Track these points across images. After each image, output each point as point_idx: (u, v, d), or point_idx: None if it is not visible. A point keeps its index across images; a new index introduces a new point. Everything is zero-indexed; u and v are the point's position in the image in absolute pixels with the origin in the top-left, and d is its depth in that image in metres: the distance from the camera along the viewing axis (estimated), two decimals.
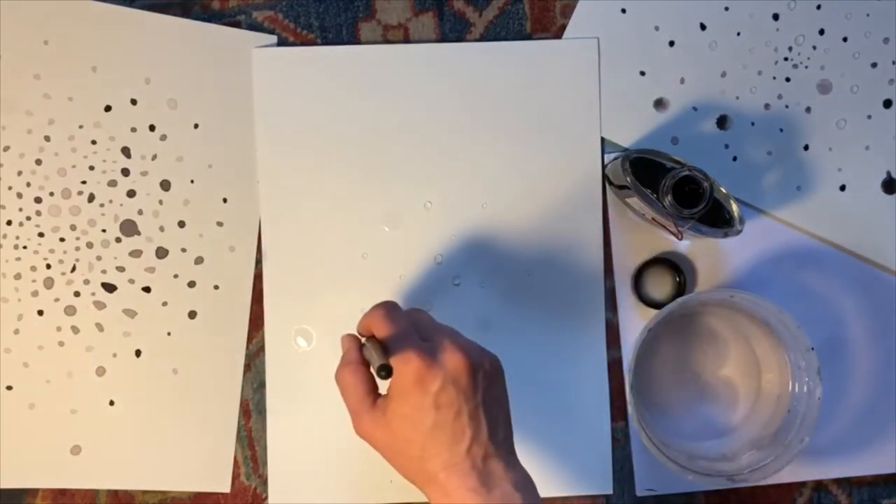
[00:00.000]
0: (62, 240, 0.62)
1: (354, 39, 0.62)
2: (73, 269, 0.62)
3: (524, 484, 0.47)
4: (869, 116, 0.63)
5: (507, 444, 0.49)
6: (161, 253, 0.62)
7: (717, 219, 0.57)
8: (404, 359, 0.46)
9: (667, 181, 0.55)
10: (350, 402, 0.49)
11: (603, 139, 0.62)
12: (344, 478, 0.62)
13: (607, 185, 0.62)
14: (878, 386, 0.63)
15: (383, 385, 0.49)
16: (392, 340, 0.48)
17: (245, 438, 0.62)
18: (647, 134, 0.62)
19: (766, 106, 0.63)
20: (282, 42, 0.62)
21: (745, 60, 0.62)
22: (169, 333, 0.62)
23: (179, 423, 0.62)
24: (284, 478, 0.61)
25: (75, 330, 0.62)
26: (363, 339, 0.51)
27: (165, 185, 0.62)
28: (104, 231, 0.62)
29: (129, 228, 0.62)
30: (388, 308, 0.50)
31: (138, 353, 0.62)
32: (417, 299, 0.62)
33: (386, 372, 0.45)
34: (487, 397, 0.48)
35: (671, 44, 0.62)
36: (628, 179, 0.56)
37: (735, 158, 0.62)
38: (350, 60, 0.62)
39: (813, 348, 0.57)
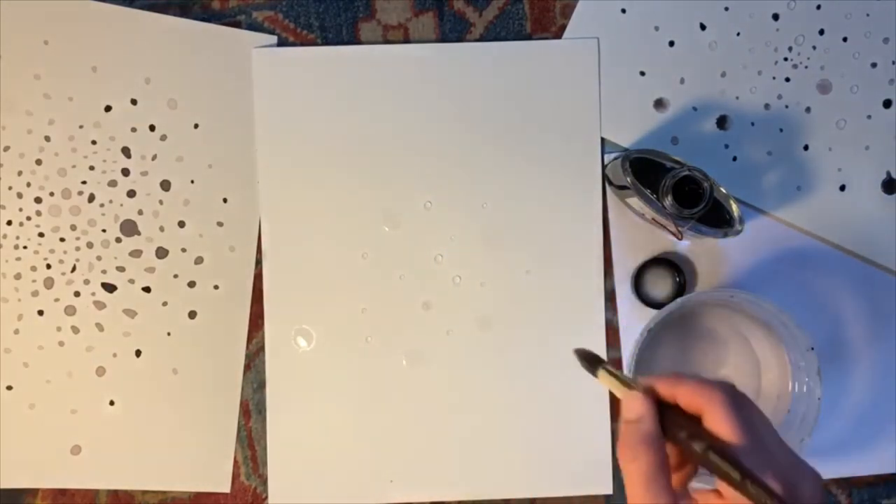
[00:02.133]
0: (62, 240, 0.62)
1: (354, 39, 0.62)
2: (74, 269, 0.62)
3: None
4: (869, 116, 0.63)
5: None
6: (161, 253, 0.62)
7: (717, 219, 0.57)
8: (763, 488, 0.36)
9: (667, 181, 0.55)
10: (637, 494, 0.37)
11: (603, 139, 0.62)
12: (344, 478, 0.62)
13: (607, 185, 0.62)
14: (878, 386, 0.63)
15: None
16: (744, 453, 0.37)
17: (245, 438, 0.62)
18: (647, 134, 0.62)
19: (766, 106, 0.62)
20: (282, 42, 0.62)
21: (745, 60, 0.62)
22: (169, 333, 0.62)
23: (179, 423, 0.62)
24: (284, 478, 0.61)
25: (75, 330, 0.62)
26: (651, 397, 0.39)
27: (165, 185, 0.62)
28: (104, 231, 0.62)
29: (129, 228, 0.62)
30: (739, 403, 0.38)
31: (138, 353, 0.62)
32: (417, 299, 0.62)
33: None
34: None
35: (671, 44, 0.62)
36: (628, 179, 0.56)
37: (735, 158, 0.62)
38: (350, 60, 0.62)
39: (813, 348, 0.57)
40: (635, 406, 0.39)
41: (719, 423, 0.37)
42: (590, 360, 0.43)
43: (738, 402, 0.38)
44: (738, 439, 0.37)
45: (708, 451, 0.37)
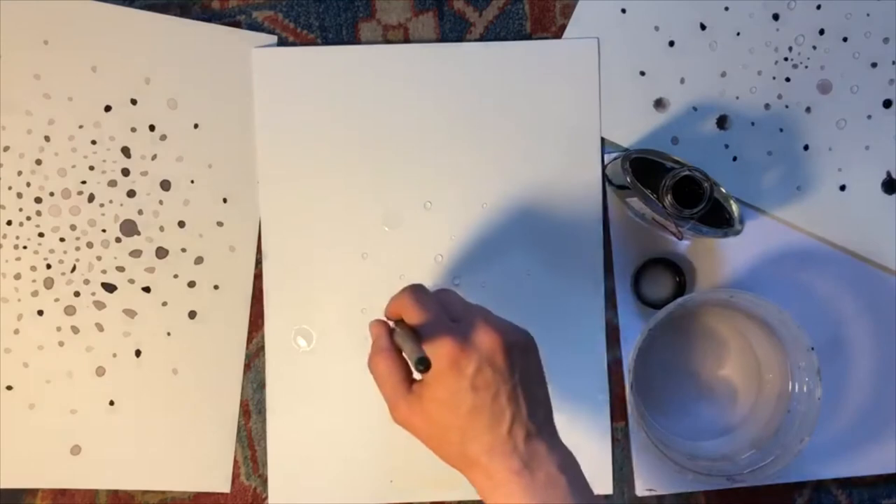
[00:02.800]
0: (62, 240, 0.62)
1: (354, 39, 0.62)
2: (73, 269, 0.62)
3: (568, 464, 0.46)
4: (869, 116, 0.63)
5: (549, 423, 0.48)
6: (161, 253, 0.62)
7: (717, 219, 0.57)
8: (438, 344, 0.45)
9: (667, 181, 0.55)
10: (385, 390, 0.48)
11: (603, 139, 0.62)
12: (344, 478, 0.62)
13: (607, 185, 0.62)
14: (878, 386, 0.63)
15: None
16: (423, 326, 0.47)
17: (245, 438, 0.62)
18: (647, 134, 0.62)
19: (766, 106, 0.63)
20: (282, 42, 0.62)
21: (745, 60, 0.62)
22: (169, 333, 0.62)
23: (179, 423, 0.62)
24: (284, 478, 0.61)
25: (75, 330, 0.62)
26: (392, 324, 0.50)
27: (165, 185, 0.62)
28: (104, 231, 0.62)
29: (129, 228, 0.62)
30: (416, 292, 0.49)
31: (138, 353, 0.62)
32: None
33: (424, 366, 0.43)
34: (524, 376, 0.47)
35: (671, 44, 0.62)
36: (628, 179, 0.56)
37: (735, 158, 0.62)
38: (350, 60, 0.62)
39: (813, 348, 0.57)
40: (372, 330, 0.50)
41: (409, 315, 0.48)
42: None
43: (418, 294, 0.48)
44: (419, 319, 0.47)
45: (393, 330, 0.48)
